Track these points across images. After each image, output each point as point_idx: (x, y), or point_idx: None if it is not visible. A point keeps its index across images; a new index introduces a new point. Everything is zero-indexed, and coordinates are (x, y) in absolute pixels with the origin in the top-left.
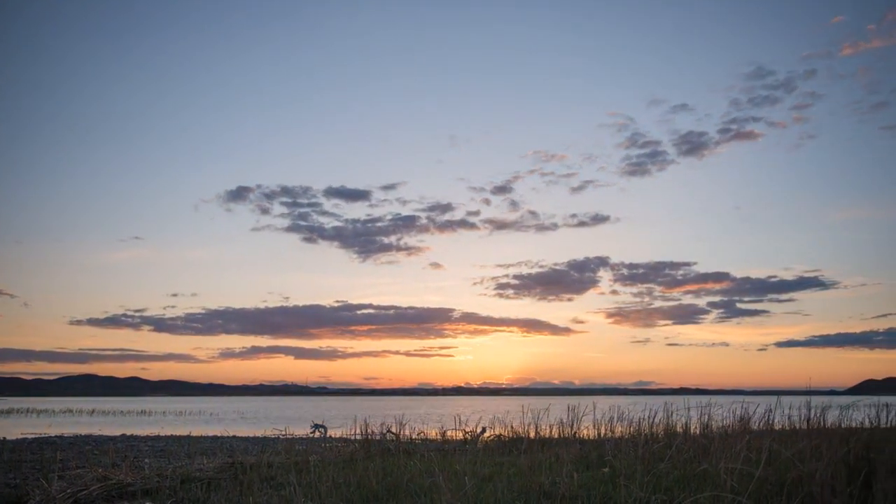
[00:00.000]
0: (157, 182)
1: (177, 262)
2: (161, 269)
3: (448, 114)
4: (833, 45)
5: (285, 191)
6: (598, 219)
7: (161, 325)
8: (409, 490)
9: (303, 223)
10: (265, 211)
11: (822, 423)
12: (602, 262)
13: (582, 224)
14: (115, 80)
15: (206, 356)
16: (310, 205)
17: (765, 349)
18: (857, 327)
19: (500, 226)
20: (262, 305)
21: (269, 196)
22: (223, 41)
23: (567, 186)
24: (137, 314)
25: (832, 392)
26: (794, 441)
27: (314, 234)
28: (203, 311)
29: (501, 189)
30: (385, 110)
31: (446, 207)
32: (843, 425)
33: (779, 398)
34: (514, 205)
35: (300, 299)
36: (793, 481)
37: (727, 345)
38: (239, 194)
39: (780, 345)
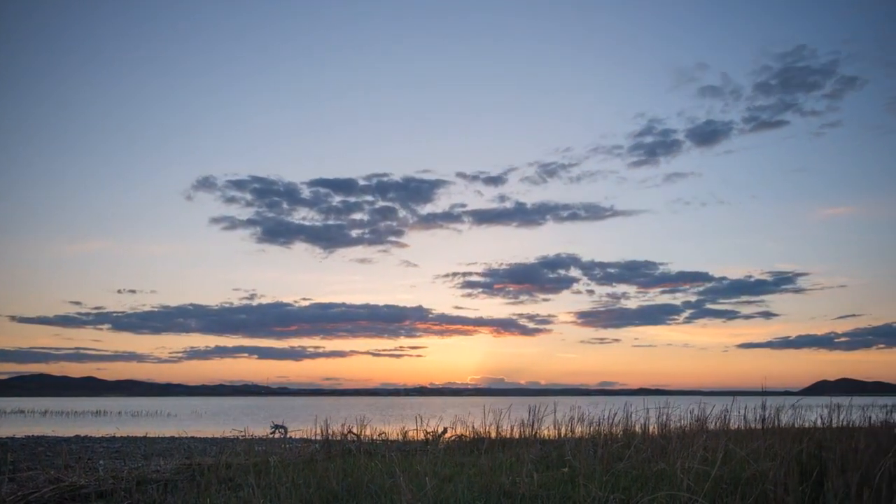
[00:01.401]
0: (116, 173)
1: (136, 257)
2: (119, 265)
3: (439, 100)
4: None
5: (252, 182)
6: (582, 215)
7: (118, 323)
8: (369, 491)
9: (270, 217)
10: (230, 202)
11: (776, 423)
12: (574, 260)
13: (567, 219)
14: (68, 69)
15: (166, 355)
16: (278, 198)
17: (727, 350)
18: (821, 329)
19: (485, 219)
20: (225, 303)
21: (235, 188)
22: (187, 26)
23: (563, 179)
24: (93, 312)
25: (787, 393)
26: (749, 440)
27: (282, 228)
28: (163, 309)
29: (493, 180)
30: (365, 97)
31: (426, 198)
32: (796, 425)
33: (734, 398)
34: (502, 198)
35: (266, 297)
36: (747, 480)
37: (690, 346)
38: (202, 186)
39: (741, 346)
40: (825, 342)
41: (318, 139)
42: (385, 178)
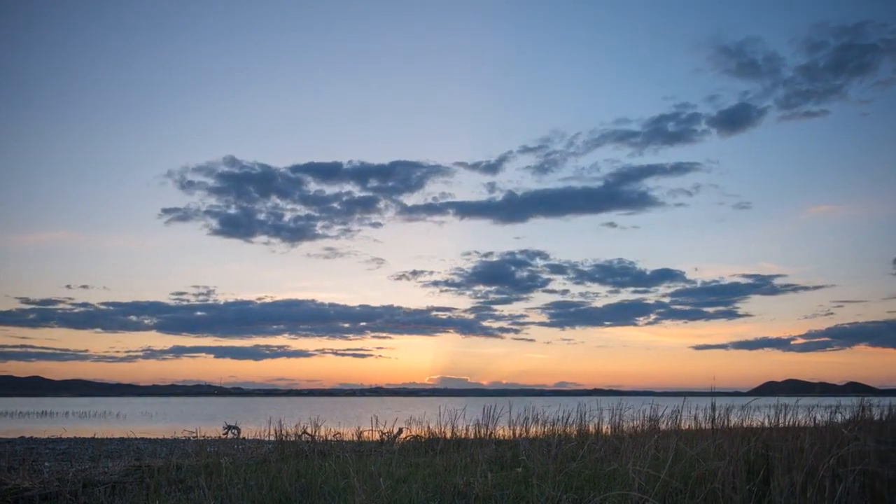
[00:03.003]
0: (69, 160)
1: (87, 250)
2: (69, 258)
3: (431, 85)
4: None
5: (215, 173)
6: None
7: (67, 320)
8: (322, 492)
9: (234, 210)
10: (189, 193)
11: (725, 423)
12: (543, 257)
13: (551, 214)
14: (20, 55)
15: (118, 354)
16: (243, 189)
17: (685, 351)
18: (782, 331)
19: (469, 212)
20: (182, 300)
21: (195, 178)
22: (155, 9)
23: (560, 170)
24: (40, 308)
25: (736, 393)
26: (699, 440)
27: (246, 220)
28: (116, 306)
29: (488, 169)
30: (358, 83)
31: (411, 188)
32: (744, 425)
33: (685, 399)
34: (492, 189)
35: (226, 294)
36: (697, 479)
37: (651, 347)
38: (161, 176)
39: (699, 347)
40: (781, 344)
41: (304, 125)
42: (369, 165)
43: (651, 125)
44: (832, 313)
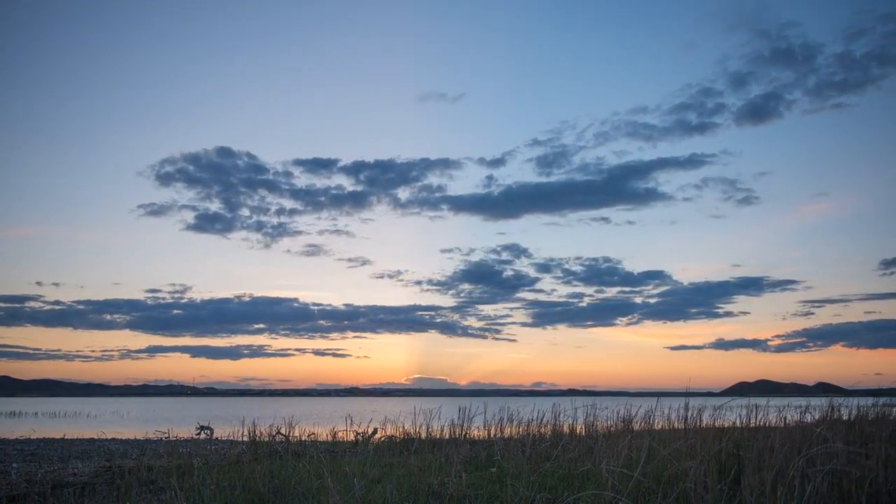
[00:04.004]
0: (40, 155)
1: (60, 245)
2: (40, 254)
3: (426, 71)
4: None
5: (194, 166)
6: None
7: (37, 318)
8: (296, 492)
9: (214, 205)
10: (167, 187)
11: (698, 423)
12: (530, 256)
13: (545, 211)
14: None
15: (90, 353)
16: (225, 183)
17: (659, 352)
18: (760, 332)
19: (463, 207)
20: (158, 298)
21: (173, 173)
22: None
23: (565, 165)
24: (9, 306)
25: (709, 394)
26: (672, 440)
27: (227, 217)
28: (88, 304)
29: (493, 164)
30: (357, 76)
31: (405, 182)
32: (717, 425)
33: (658, 399)
34: (489, 184)
35: (203, 291)
36: (669, 479)
37: (630, 347)
38: (139, 170)
39: (676, 348)
40: (757, 344)
41: (305, 120)
42: (370, 160)
43: (670, 114)
44: (811, 313)
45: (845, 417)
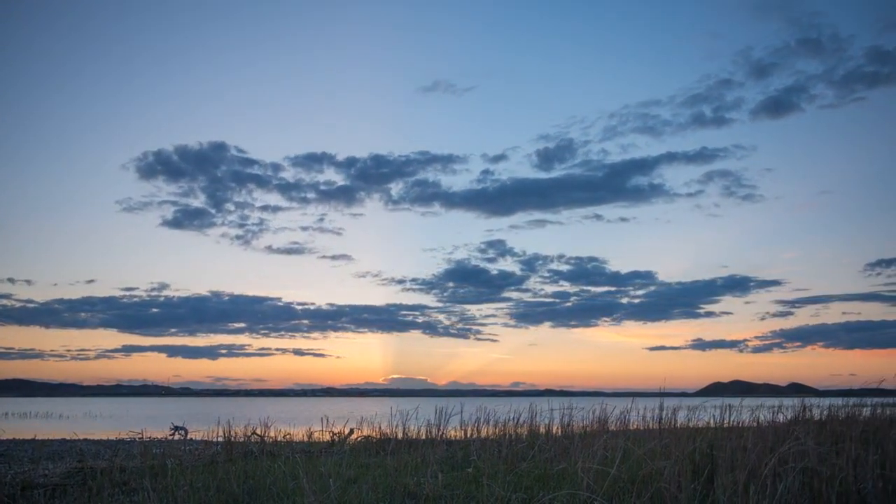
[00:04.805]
0: (11, 145)
1: (34, 242)
2: (14, 251)
3: (431, 64)
4: None
5: (177, 159)
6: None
7: (9, 316)
8: (271, 493)
9: (195, 202)
10: (147, 181)
11: (672, 423)
12: (517, 255)
13: (538, 208)
14: None
15: (65, 353)
16: (206, 178)
17: (637, 352)
18: (739, 333)
19: (456, 204)
20: (134, 296)
21: (157, 166)
22: None
23: (567, 161)
24: None
25: (683, 394)
26: (647, 440)
27: (208, 213)
28: (61, 302)
29: (494, 160)
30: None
31: (399, 178)
32: (691, 425)
33: (633, 399)
34: (483, 180)
35: (181, 290)
36: (644, 478)
37: (608, 347)
38: (121, 163)
39: (652, 349)
40: (734, 345)
41: (292, 113)
42: (355, 156)
43: (683, 107)
44: (790, 314)
45: (817, 417)
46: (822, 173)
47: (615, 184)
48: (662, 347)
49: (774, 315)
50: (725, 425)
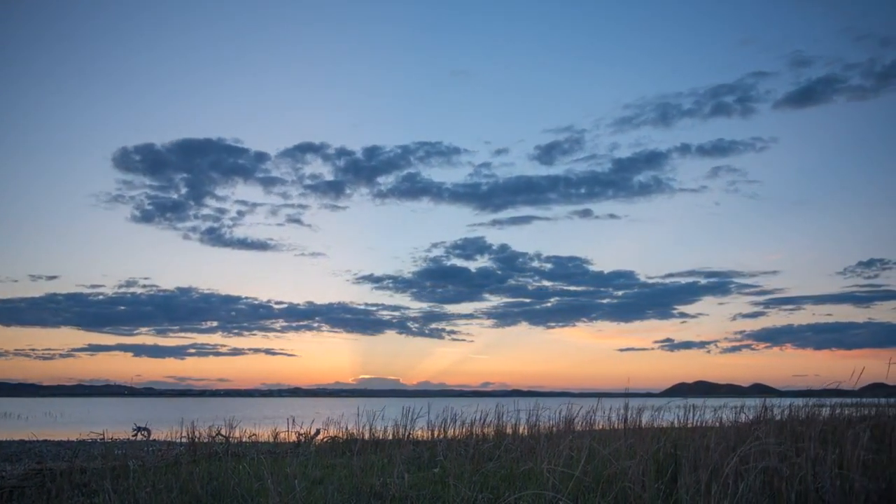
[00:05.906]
0: None
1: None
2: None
3: (435, 57)
4: None
5: (150, 154)
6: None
7: None
8: (235, 494)
9: (167, 195)
10: (123, 172)
11: (637, 423)
12: (491, 251)
13: (526, 204)
14: None
15: (21, 350)
16: (184, 172)
17: (607, 353)
18: (709, 334)
19: (444, 199)
20: (97, 293)
21: (131, 159)
22: None
23: (564, 156)
24: None
25: (648, 394)
26: (612, 440)
27: (180, 207)
28: (22, 299)
29: (495, 153)
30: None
31: (393, 171)
32: (655, 425)
33: (599, 399)
34: (476, 174)
35: (150, 287)
36: (608, 478)
37: (578, 348)
38: (96, 155)
39: (622, 350)
40: (703, 345)
41: (287, 106)
42: (349, 148)
43: (706, 97)
44: (763, 314)
45: (778, 418)
46: (824, 173)
47: (613, 180)
48: (632, 349)
49: (746, 316)
50: (689, 425)
